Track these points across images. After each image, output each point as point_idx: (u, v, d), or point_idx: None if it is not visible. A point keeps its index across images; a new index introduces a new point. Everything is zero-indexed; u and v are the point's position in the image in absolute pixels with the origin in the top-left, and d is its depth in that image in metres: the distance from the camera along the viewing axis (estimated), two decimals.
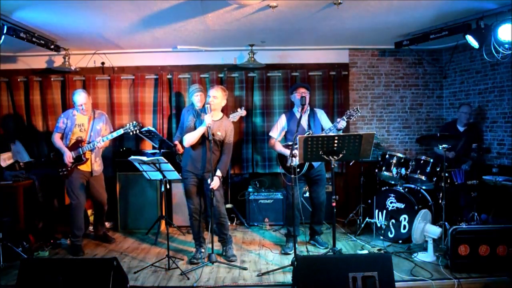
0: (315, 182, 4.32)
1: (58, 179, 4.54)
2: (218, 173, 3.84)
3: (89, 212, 5.20)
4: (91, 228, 5.04)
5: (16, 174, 4.86)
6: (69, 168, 4.28)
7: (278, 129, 4.36)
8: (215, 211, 3.91)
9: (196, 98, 4.71)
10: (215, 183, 3.77)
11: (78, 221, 4.32)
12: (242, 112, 4.67)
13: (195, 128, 3.85)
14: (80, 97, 4.29)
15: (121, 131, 4.27)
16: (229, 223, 4.16)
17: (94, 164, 4.42)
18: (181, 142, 4.65)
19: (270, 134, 4.41)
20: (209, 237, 4.13)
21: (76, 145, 4.30)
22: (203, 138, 3.83)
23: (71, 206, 4.35)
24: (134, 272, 3.63)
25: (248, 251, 4.30)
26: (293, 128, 4.24)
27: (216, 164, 3.88)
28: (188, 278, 3.48)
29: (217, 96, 3.86)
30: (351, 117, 3.95)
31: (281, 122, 4.36)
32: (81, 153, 4.28)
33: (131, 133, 4.29)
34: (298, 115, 4.24)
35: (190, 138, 3.83)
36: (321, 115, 4.34)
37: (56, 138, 4.38)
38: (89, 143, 4.29)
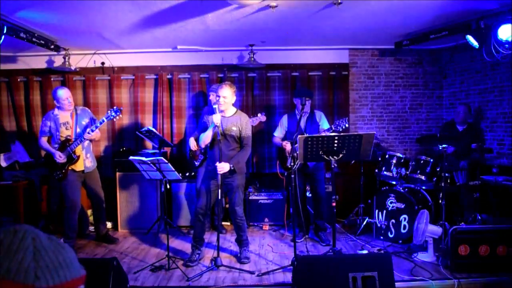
0: (314, 178, 4.50)
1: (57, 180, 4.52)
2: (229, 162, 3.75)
3: (89, 212, 5.19)
4: (91, 228, 5.04)
5: (16, 174, 4.86)
6: (63, 171, 4.21)
7: (280, 128, 4.70)
8: (233, 213, 3.93)
9: (211, 98, 4.78)
10: (222, 166, 3.66)
11: (72, 223, 4.28)
12: (261, 117, 4.71)
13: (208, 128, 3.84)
14: (64, 91, 4.25)
15: (104, 120, 4.18)
16: (246, 225, 4.10)
17: (86, 161, 4.35)
18: (196, 139, 4.67)
19: (274, 133, 4.75)
20: (208, 238, 4.14)
21: (64, 145, 4.21)
22: (217, 137, 3.77)
23: (66, 208, 4.32)
24: (134, 272, 3.64)
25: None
26: (291, 128, 4.55)
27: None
28: (189, 278, 3.48)
29: (227, 96, 3.77)
30: (338, 127, 4.17)
31: (283, 122, 4.68)
32: (71, 151, 4.19)
33: (114, 120, 4.24)
34: (298, 117, 4.44)
35: (203, 138, 3.83)
36: (320, 118, 4.54)
37: (43, 142, 4.31)
38: (76, 140, 4.21)
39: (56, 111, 4.31)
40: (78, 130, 4.28)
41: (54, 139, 4.30)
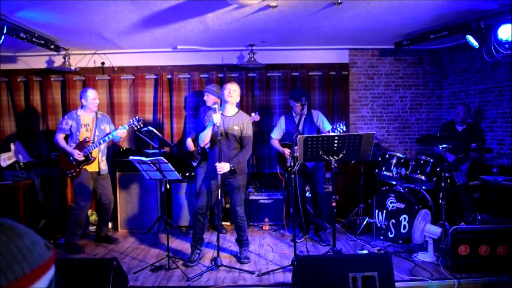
0: (313, 178, 4.51)
1: (58, 179, 4.52)
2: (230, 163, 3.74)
3: (89, 212, 5.19)
4: (91, 228, 5.03)
5: (16, 174, 4.86)
6: (77, 170, 4.28)
7: (278, 130, 4.69)
8: (234, 213, 3.93)
9: (205, 98, 4.79)
10: (221, 166, 3.65)
11: (81, 221, 4.37)
12: (255, 117, 4.71)
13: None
14: (93, 91, 4.43)
15: (125, 127, 4.37)
16: (246, 225, 4.10)
17: (101, 163, 4.45)
18: (194, 140, 4.68)
19: (271, 135, 4.74)
20: (208, 238, 4.13)
21: (81, 146, 4.30)
22: (217, 137, 3.76)
23: (76, 207, 4.34)
24: (134, 272, 3.64)
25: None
26: (289, 129, 4.60)
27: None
28: (189, 278, 3.47)
29: (236, 90, 3.84)
30: (335, 130, 4.14)
31: (281, 123, 4.68)
32: (88, 153, 4.30)
33: (135, 128, 4.42)
34: (295, 118, 4.49)
35: (202, 137, 3.82)
36: (317, 118, 4.53)
37: (60, 139, 4.36)
38: (93, 142, 4.32)
39: (79, 111, 4.43)
40: (97, 133, 4.40)
41: (72, 138, 4.38)
